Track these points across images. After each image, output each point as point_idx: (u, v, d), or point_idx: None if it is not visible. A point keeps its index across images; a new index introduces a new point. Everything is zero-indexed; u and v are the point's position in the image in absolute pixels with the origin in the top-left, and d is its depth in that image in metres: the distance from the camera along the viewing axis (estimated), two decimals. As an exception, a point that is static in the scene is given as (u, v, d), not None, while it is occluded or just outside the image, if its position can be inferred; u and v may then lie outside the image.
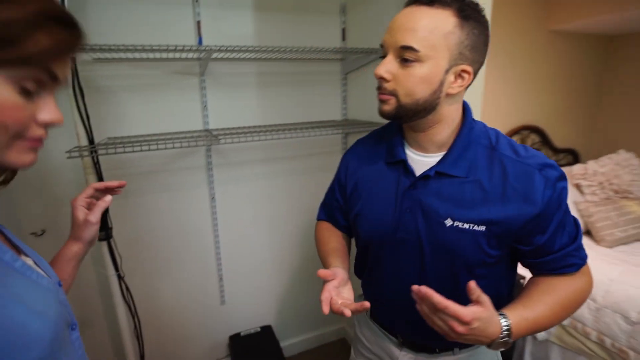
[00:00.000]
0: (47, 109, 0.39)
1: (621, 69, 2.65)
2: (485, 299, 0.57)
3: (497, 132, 0.71)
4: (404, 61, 0.62)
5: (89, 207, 0.67)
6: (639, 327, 1.35)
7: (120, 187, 0.68)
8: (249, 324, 1.72)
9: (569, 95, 2.65)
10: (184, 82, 1.38)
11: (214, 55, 1.25)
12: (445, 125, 0.68)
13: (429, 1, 0.61)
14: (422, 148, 0.72)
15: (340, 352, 1.88)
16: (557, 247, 0.66)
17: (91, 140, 1.21)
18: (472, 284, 0.56)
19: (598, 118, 2.80)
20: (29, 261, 0.46)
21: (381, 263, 0.78)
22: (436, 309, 0.55)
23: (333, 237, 0.89)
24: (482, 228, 0.65)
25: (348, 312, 0.63)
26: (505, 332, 0.58)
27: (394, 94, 0.64)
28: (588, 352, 1.47)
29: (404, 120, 0.69)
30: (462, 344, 0.76)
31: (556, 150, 2.59)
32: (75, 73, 1.13)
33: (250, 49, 1.23)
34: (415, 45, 0.60)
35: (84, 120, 1.17)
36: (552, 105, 2.58)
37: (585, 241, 1.58)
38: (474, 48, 0.62)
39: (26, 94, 0.36)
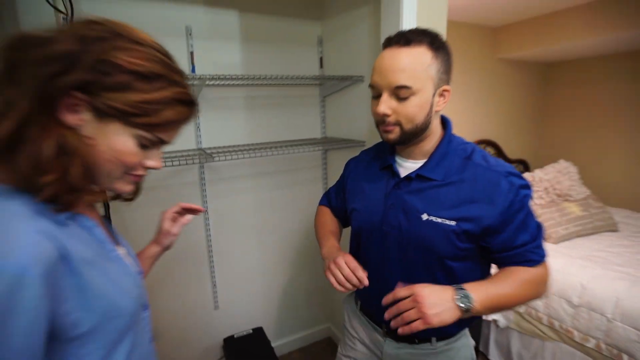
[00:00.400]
0: (153, 159, 0.51)
1: (557, 91, 2.92)
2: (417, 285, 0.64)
3: (474, 147, 0.79)
4: (400, 96, 0.69)
5: (174, 220, 0.77)
6: (580, 310, 1.48)
7: (199, 211, 0.77)
8: (241, 326, 1.73)
9: (518, 113, 2.87)
10: (179, 106, 1.43)
11: (207, 82, 1.31)
12: (433, 136, 0.77)
13: (405, 42, 0.68)
14: (410, 156, 0.80)
15: (327, 349, 1.92)
16: (519, 243, 0.71)
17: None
18: (399, 285, 0.64)
19: (542, 132, 3.05)
20: (122, 250, 0.55)
21: (369, 256, 0.84)
22: (396, 301, 0.63)
23: (333, 222, 1.00)
24: (453, 223, 0.71)
25: (366, 281, 0.71)
26: (461, 291, 0.63)
27: (397, 124, 0.72)
28: (541, 334, 1.58)
29: (406, 143, 0.76)
30: (439, 335, 0.80)
31: (509, 161, 2.75)
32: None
33: (239, 76, 1.31)
34: (407, 84, 0.67)
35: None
36: (504, 122, 2.79)
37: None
38: (447, 70, 0.72)
39: (142, 146, 0.48)
